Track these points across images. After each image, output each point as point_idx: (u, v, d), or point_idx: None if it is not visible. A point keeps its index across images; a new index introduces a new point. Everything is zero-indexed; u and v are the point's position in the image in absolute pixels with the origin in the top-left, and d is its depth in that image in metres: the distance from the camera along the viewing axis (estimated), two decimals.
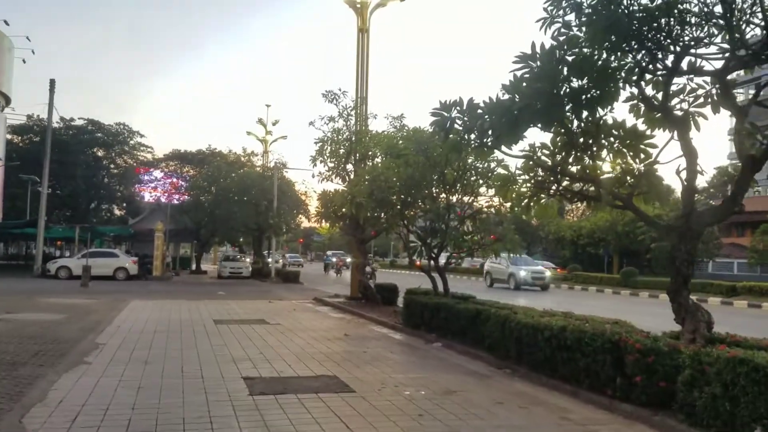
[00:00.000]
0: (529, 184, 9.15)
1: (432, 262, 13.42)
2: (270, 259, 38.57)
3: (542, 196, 9.39)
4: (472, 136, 8.48)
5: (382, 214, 12.80)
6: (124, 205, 59.47)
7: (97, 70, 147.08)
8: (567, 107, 7.37)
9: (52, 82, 31.75)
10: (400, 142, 15.67)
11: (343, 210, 18.82)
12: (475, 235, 12.44)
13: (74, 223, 37.93)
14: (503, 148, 8.39)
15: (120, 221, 54.79)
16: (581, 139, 8.50)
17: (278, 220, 36.56)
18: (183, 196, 39.22)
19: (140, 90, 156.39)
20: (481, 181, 12.87)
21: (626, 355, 6.04)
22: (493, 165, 12.64)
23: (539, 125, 7.55)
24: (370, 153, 18.63)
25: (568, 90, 7.10)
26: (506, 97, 7.37)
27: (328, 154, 18.88)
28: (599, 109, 7.54)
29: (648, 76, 7.64)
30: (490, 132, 8.13)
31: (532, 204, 9.19)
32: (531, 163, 8.95)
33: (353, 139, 18.24)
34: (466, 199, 12.98)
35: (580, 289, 31.60)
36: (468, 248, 12.72)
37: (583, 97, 6.90)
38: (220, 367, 8.05)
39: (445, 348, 10.12)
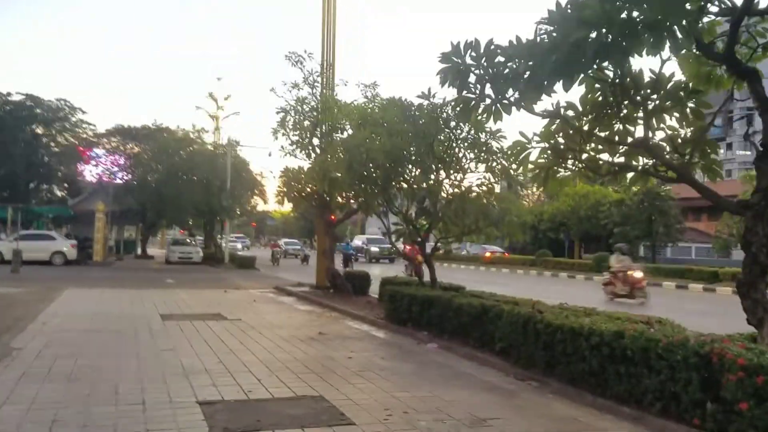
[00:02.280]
0: (547, 153, 7.63)
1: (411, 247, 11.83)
2: (224, 244, 36.24)
3: (560, 168, 7.88)
4: (488, 91, 6.89)
5: (361, 191, 10.99)
6: (66, 185, 55.65)
7: (32, 36, 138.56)
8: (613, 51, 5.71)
9: None
10: (376, 110, 13.89)
11: (309, 189, 17.01)
12: (466, 218, 10.80)
13: (12, 204, 34.67)
14: (526, 106, 6.87)
15: (61, 202, 51.12)
16: (611, 99, 7.01)
17: (231, 202, 34.25)
18: (127, 176, 36.37)
19: (79, 59, 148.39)
20: (471, 155, 11.26)
21: (724, 374, 4.51)
22: (485, 137, 11.09)
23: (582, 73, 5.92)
24: (339, 125, 16.78)
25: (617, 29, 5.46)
26: (544, 35, 5.73)
27: (291, 126, 16.90)
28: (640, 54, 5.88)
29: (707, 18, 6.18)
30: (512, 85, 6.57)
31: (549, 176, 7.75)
32: (554, 128, 7.40)
33: (320, 108, 16.30)
34: (454, 176, 11.34)
35: (550, 275, 30.61)
36: (459, 232, 11.10)
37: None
38: (168, 384, 6.17)
39: (443, 350, 8.49)
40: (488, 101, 6.78)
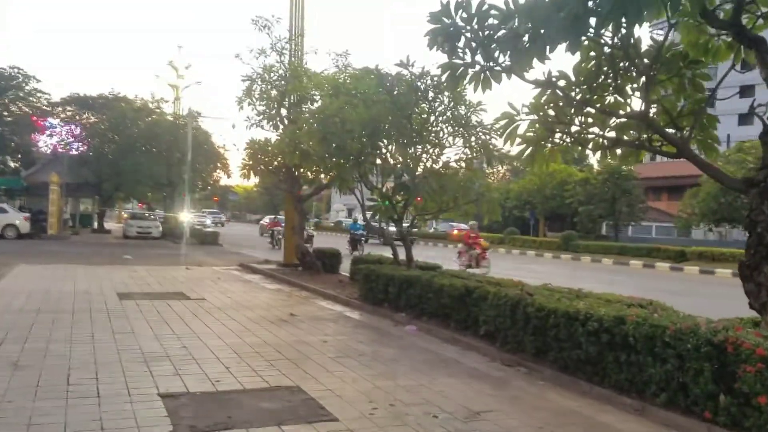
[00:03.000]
0: (536, 126, 7.22)
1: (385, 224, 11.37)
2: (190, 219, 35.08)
3: (547, 143, 7.48)
4: (478, 57, 6.43)
5: (334, 165, 10.39)
6: (19, 156, 53.13)
7: None
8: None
9: None
10: (348, 81, 13.23)
11: (276, 162, 16.28)
12: (444, 194, 10.34)
13: None
14: (515, 74, 6.42)
15: (14, 174, 48.79)
16: (605, 68, 6.62)
17: (193, 174, 33.07)
18: (83, 146, 34.76)
19: (32, 25, 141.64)
20: (450, 129, 10.78)
21: (740, 365, 4.17)
22: (464, 110, 10.62)
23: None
24: (308, 95, 16.04)
25: None
26: None
27: (257, 96, 16.07)
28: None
29: None
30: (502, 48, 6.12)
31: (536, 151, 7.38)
32: (544, 99, 6.97)
33: (288, 76, 15.52)
34: (432, 151, 10.85)
35: (518, 253, 30.61)
36: (437, 209, 10.65)
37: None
38: (125, 372, 5.57)
39: (423, 333, 8.07)
40: (477, 68, 6.33)
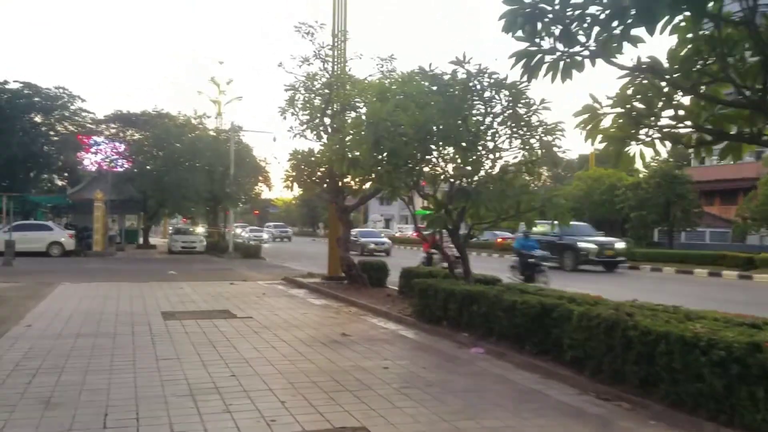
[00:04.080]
0: (620, 121, 6.36)
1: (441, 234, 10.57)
2: (240, 232, 34.99)
3: (632, 141, 6.59)
4: (559, 45, 5.65)
5: (385, 172, 9.65)
6: (66, 174, 54.39)
7: (29, 24, 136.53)
8: None
9: None
10: (393, 87, 12.53)
11: (320, 172, 15.69)
12: (503, 201, 9.48)
13: (7, 193, 33.44)
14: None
15: (60, 192, 49.86)
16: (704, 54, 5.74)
17: (235, 189, 32.93)
18: (127, 163, 35.05)
19: (77, 45, 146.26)
20: (507, 131, 9.94)
21: None
22: (523, 110, 9.77)
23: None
24: (351, 103, 15.43)
25: None
26: None
27: (300, 105, 15.55)
28: None
29: None
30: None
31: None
32: (630, 90, 6.12)
33: (332, 85, 14.94)
34: (491, 154, 10.01)
35: None
36: (496, 217, 9.80)
37: None
38: (169, 410, 4.93)
39: (493, 357, 7.22)
40: (556, 55, 5.55)
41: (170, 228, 52.67)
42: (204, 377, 6.02)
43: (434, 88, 9.53)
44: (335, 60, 15.38)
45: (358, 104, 15.45)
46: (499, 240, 40.62)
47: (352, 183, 15.33)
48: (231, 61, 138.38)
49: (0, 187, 47.36)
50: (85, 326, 8.91)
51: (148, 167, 34.17)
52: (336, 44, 15.63)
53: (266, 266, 24.26)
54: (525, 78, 5.97)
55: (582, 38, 5.37)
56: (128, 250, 33.92)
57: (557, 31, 5.45)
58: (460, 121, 9.24)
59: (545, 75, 5.61)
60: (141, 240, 39.75)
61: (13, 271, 18.39)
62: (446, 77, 9.40)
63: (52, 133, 53.27)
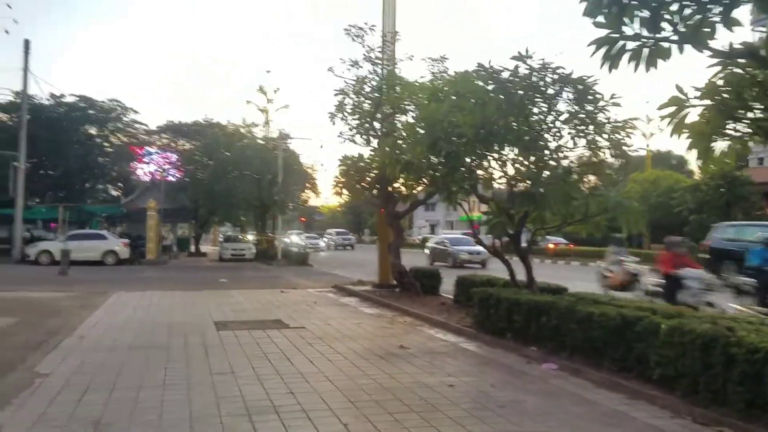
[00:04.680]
0: (707, 114, 5.78)
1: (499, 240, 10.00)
2: (289, 239, 35.13)
3: (721, 134, 6.01)
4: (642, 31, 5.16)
5: (441, 175, 9.20)
6: (120, 184, 55.98)
7: (83, 43, 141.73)
8: None
9: (27, 43, 27.97)
10: (446, 88, 12.07)
11: (370, 177, 15.37)
12: (569, 205, 8.88)
13: (64, 204, 34.46)
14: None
15: (115, 201, 51.27)
16: None
17: (284, 195, 33.02)
18: (178, 172, 35.66)
19: (129, 58, 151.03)
20: (572, 131, 9.34)
21: None
22: (590, 107, 9.15)
23: None
24: (401, 106, 15.05)
25: None
26: None
27: (349, 110, 15.27)
28: None
29: None
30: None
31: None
32: (720, 80, 5.55)
33: (383, 88, 14.58)
34: (555, 155, 9.42)
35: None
36: (562, 221, 9.21)
37: None
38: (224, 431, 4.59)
39: (567, 374, 6.65)
40: (639, 42, 5.06)
41: (220, 236, 53.37)
42: (260, 394, 5.68)
43: (490, 87, 9.02)
44: (384, 62, 15.02)
45: (408, 107, 15.08)
46: (552, 246, 39.46)
47: (403, 188, 14.94)
48: (278, 69, 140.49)
49: (57, 197, 49.07)
50: (138, 337, 8.75)
51: (198, 176, 34.64)
52: (385, 46, 15.28)
53: (314, 273, 24.09)
54: (606, 67, 5.45)
55: (665, 24, 4.89)
56: (180, 258, 34.42)
57: (639, 17, 4.98)
58: (522, 120, 8.71)
59: (629, 62, 5.12)
60: (192, 248, 40.34)
61: (68, 280, 18.69)
62: (506, 74, 8.88)
63: (106, 144, 54.91)
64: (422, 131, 8.68)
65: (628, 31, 5.08)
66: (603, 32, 5.09)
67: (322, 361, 7.21)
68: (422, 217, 77.86)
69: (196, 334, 9.11)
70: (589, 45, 5.37)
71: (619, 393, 5.81)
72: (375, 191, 15.59)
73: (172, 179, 35.52)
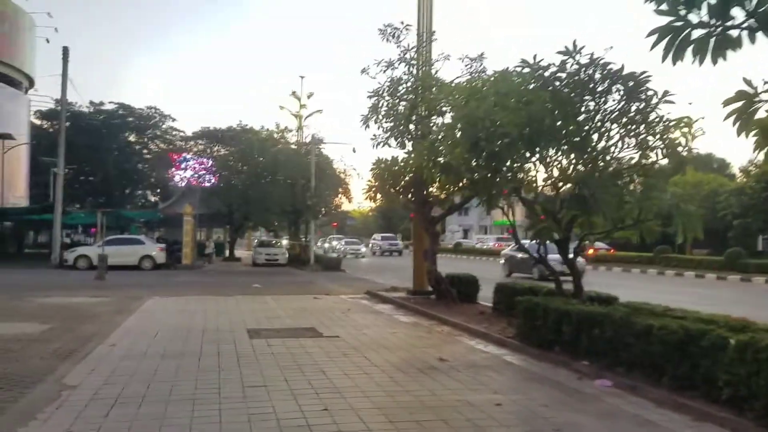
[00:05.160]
0: None
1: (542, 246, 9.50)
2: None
3: None
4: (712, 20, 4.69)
5: (482, 178, 8.75)
6: (158, 190, 56.88)
7: (119, 49, 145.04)
8: None
9: (65, 50, 28.47)
10: (485, 88, 11.61)
11: (404, 181, 14.97)
12: (620, 209, 8.34)
13: (102, 209, 35.04)
14: None
15: (153, 207, 52.06)
16: None
17: (317, 200, 32.87)
18: (214, 178, 35.88)
19: (163, 67, 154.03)
20: (622, 129, 8.80)
21: None
22: (639, 106, 8.60)
23: None
24: (437, 108, 14.61)
25: None
26: None
27: (384, 112, 14.89)
28: None
29: None
30: None
31: None
32: None
33: (419, 90, 14.18)
34: (607, 155, 8.88)
35: (674, 274, 27.07)
36: (612, 227, 8.67)
37: None
38: None
39: (624, 391, 6.14)
40: (705, 31, 4.56)
41: (254, 240, 53.55)
42: (294, 411, 5.33)
43: (531, 86, 8.54)
44: (420, 62, 14.62)
45: (444, 109, 14.65)
46: (591, 251, 38.37)
47: (438, 192, 14.51)
48: (312, 73, 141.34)
49: (97, 203, 50.13)
50: (170, 345, 8.52)
51: (233, 182, 34.78)
52: (421, 45, 14.88)
53: (347, 279, 23.81)
54: (669, 60, 4.96)
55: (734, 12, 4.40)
56: (215, 262, 34.55)
57: (707, 2, 4.49)
58: (570, 118, 8.23)
59: (694, 54, 4.62)
60: (227, 253, 40.56)
61: (104, 285, 18.77)
62: (552, 69, 8.41)
63: (145, 151, 55.94)
64: (459, 132, 8.22)
65: (692, 18, 4.62)
66: (664, 21, 4.63)
67: (358, 375, 6.84)
68: (455, 222, 77.02)
69: (228, 341, 8.85)
70: (648, 35, 4.88)
71: (684, 414, 5.29)
72: (410, 195, 15.18)
73: (208, 185, 35.76)
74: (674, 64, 5.16)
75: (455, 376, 6.86)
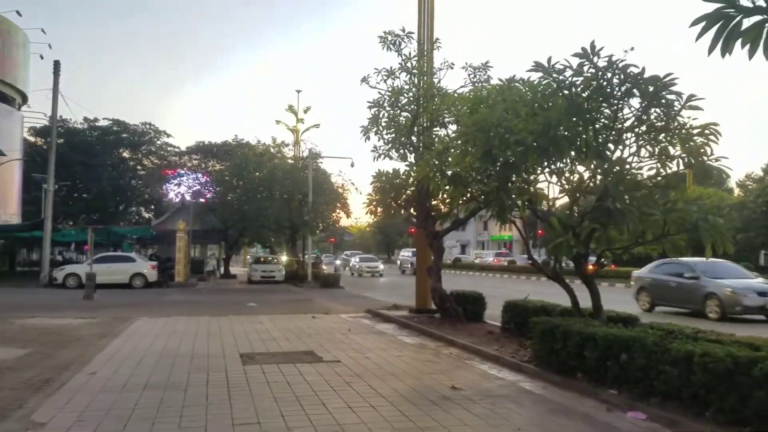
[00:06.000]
0: None
1: (556, 262, 8.87)
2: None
3: None
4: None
5: (493, 189, 8.12)
6: (152, 207, 56.20)
7: (114, 64, 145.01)
8: None
9: (57, 64, 27.90)
10: (491, 97, 11.03)
11: (405, 195, 14.37)
12: (643, 222, 7.70)
13: (92, 225, 34.28)
14: None
15: (147, 223, 51.35)
16: None
17: (314, 215, 32.19)
18: (209, 194, 35.22)
19: (159, 81, 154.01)
20: (640, 139, 8.20)
21: None
22: (660, 112, 8.00)
23: None
24: (439, 119, 14.06)
25: None
26: None
27: (384, 123, 14.33)
28: None
29: None
30: None
31: None
32: None
33: (420, 100, 13.62)
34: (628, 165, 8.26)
35: None
36: (633, 241, 8.02)
37: None
38: None
39: (662, 425, 5.45)
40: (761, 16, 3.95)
41: (249, 257, 52.65)
42: None
43: (547, 92, 7.94)
44: (422, 71, 14.06)
45: (447, 120, 14.10)
46: (591, 267, 37.64)
47: (442, 206, 13.90)
48: (309, 87, 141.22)
49: (90, 220, 49.38)
50: (155, 373, 7.80)
51: (228, 197, 34.14)
52: (423, 54, 14.33)
53: (346, 296, 23.10)
54: (718, 50, 4.34)
55: None
56: (210, 280, 33.76)
57: None
58: (588, 125, 7.62)
59: (745, 44, 4.00)
60: (222, 270, 39.77)
61: (92, 305, 17.98)
62: (568, 73, 7.81)
63: (139, 167, 55.32)
64: (475, 138, 7.58)
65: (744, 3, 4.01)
66: (710, 7, 4.03)
67: (363, 408, 6.13)
68: (453, 237, 76.48)
69: (219, 369, 8.13)
70: (693, 24, 4.27)
71: None
72: (412, 209, 14.56)
73: (202, 200, 35.09)
74: (723, 56, 4.48)
75: (471, 408, 6.16)
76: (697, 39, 4.30)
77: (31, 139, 48.57)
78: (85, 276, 21.10)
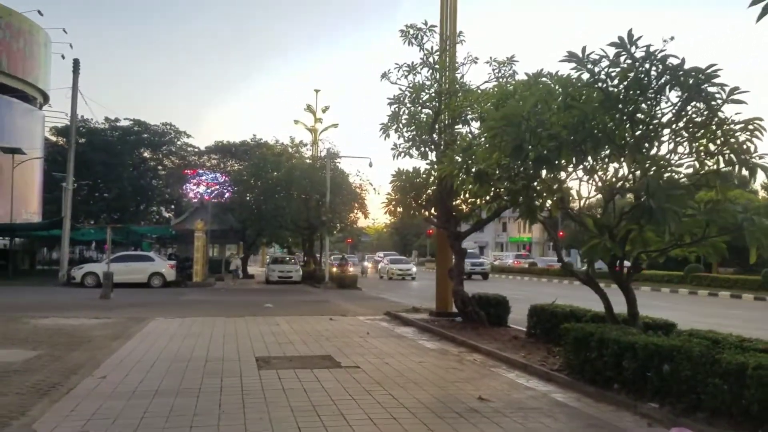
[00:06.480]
0: None
1: (585, 265, 8.37)
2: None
3: None
4: None
5: (523, 186, 7.66)
6: (172, 207, 56.44)
7: (134, 63, 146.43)
8: None
9: (76, 63, 27.90)
10: (517, 92, 10.57)
11: (425, 194, 13.94)
12: (688, 222, 7.20)
13: (112, 225, 34.31)
14: None
15: (167, 223, 51.52)
16: None
17: (332, 216, 31.89)
18: (227, 193, 35.11)
19: (179, 82, 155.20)
20: (679, 135, 7.69)
21: None
22: (700, 107, 7.49)
23: None
24: (462, 116, 13.62)
25: None
26: None
27: (404, 120, 13.92)
28: None
29: None
30: None
31: None
32: None
33: (442, 96, 13.19)
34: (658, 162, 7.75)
35: (707, 294, 25.63)
36: (671, 243, 7.53)
37: None
38: None
39: None
40: None
41: (267, 257, 52.53)
42: None
43: (568, 88, 7.48)
44: (444, 66, 13.63)
45: (470, 117, 13.65)
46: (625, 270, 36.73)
47: (464, 206, 13.46)
48: (328, 86, 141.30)
49: (111, 219, 49.65)
50: (167, 378, 7.47)
51: (246, 197, 33.99)
52: (444, 49, 13.89)
53: (364, 298, 22.72)
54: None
55: None
56: (227, 279, 33.64)
57: None
58: (625, 119, 7.15)
59: None
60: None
61: (108, 304, 17.81)
62: (603, 64, 7.34)
63: (159, 167, 55.57)
64: (505, 132, 7.12)
65: None
66: None
67: (385, 420, 5.72)
68: (471, 239, 75.78)
69: (233, 374, 7.79)
70: (752, 4, 3.81)
71: None
72: (433, 209, 14.13)
73: (220, 200, 35.00)
74: None
75: (501, 422, 5.72)
76: (757, 20, 3.82)
77: (53, 138, 49.00)
78: (102, 275, 20.96)
